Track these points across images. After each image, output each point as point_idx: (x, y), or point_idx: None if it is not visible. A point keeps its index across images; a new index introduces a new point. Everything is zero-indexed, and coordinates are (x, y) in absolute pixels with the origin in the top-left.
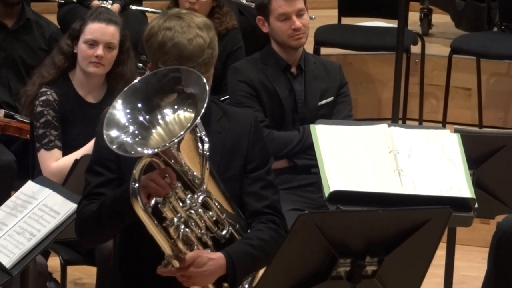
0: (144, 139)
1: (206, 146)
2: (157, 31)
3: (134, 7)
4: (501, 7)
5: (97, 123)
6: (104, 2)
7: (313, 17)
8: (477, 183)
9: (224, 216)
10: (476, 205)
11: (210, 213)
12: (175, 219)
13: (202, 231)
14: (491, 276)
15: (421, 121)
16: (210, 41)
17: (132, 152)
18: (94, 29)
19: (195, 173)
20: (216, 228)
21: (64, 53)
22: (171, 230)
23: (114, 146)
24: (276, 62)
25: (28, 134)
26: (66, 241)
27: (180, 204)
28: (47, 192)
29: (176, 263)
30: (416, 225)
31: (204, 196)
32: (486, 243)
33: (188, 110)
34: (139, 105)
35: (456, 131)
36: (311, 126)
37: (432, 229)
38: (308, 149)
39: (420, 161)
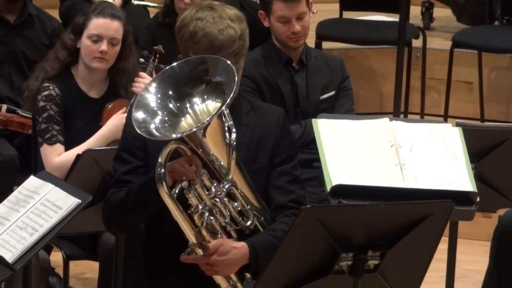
0: (172, 125)
1: (233, 136)
2: (189, 21)
3: (136, 2)
4: (502, 1)
5: (99, 117)
6: None
7: (315, 11)
8: (478, 177)
9: (249, 207)
10: (478, 199)
11: (235, 203)
12: (200, 206)
13: (226, 220)
14: (493, 270)
15: (423, 115)
16: (241, 32)
17: (159, 135)
18: (99, 24)
19: (221, 163)
20: (240, 219)
21: (67, 48)
22: (196, 217)
23: (141, 130)
24: (277, 57)
25: (30, 129)
26: (69, 236)
27: (206, 191)
28: (50, 187)
29: (199, 251)
30: (418, 219)
31: (229, 185)
32: (488, 237)
33: (217, 100)
34: (170, 92)
35: (457, 125)
36: (313, 120)
37: (434, 223)
38: (310, 143)
39: (422, 155)
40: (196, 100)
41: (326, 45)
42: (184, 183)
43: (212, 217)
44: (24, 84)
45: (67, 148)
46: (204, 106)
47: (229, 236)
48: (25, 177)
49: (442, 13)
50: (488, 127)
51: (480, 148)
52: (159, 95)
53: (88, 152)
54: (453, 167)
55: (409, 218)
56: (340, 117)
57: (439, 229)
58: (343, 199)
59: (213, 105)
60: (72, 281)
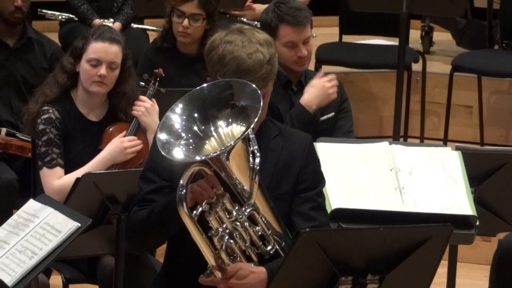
0: (197, 148)
1: (257, 160)
2: (218, 44)
3: (135, 26)
4: (502, 25)
5: (99, 141)
6: (106, 20)
7: (315, 35)
8: (478, 201)
9: (270, 232)
10: (478, 223)
11: (257, 228)
12: (220, 229)
13: (246, 244)
14: None
15: (423, 139)
16: (270, 57)
17: (183, 157)
18: (98, 48)
19: (244, 187)
20: (261, 243)
21: (67, 72)
22: (215, 240)
23: (165, 151)
24: (277, 78)
25: (30, 152)
26: (68, 260)
27: (227, 215)
28: (49, 210)
29: (218, 274)
30: (417, 243)
31: (251, 209)
32: (488, 260)
33: (242, 124)
34: (195, 114)
35: (457, 149)
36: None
37: (433, 247)
38: None
39: (421, 178)
40: (221, 123)
41: (326, 68)
42: (205, 206)
43: (232, 241)
44: (24, 108)
45: (66, 172)
46: (229, 130)
47: (249, 259)
48: (25, 200)
49: (441, 37)
50: (487, 151)
51: (480, 172)
52: (184, 117)
53: (87, 175)
54: (453, 191)
55: (409, 242)
56: (340, 140)
57: (438, 253)
58: (343, 222)
59: (237, 129)
60: None
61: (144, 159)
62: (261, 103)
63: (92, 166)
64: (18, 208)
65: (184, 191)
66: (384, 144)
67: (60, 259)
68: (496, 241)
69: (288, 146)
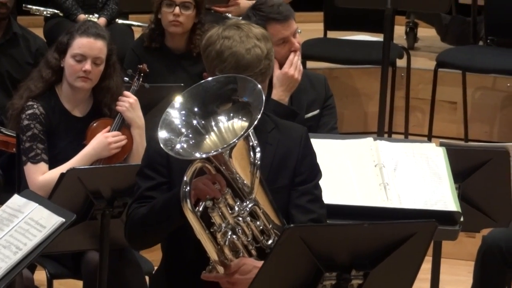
0: (197, 143)
1: (258, 155)
2: (215, 40)
3: (120, 21)
4: (486, 21)
5: (83, 136)
6: (91, 16)
7: (300, 31)
8: (462, 197)
9: (270, 226)
10: (462, 219)
11: (258, 222)
12: (223, 225)
13: (248, 239)
14: None
15: (407, 135)
16: (268, 52)
17: (185, 155)
18: (82, 43)
19: (245, 181)
20: (262, 238)
21: (51, 67)
22: (219, 236)
23: (168, 148)
24: None
25: (14, 147)
26: (53, 255)
27: (229, 210)
28: (33, 205)
29: (221, 269)
30: (401, 239)
31: (252, 204)
32: (472, 256)
33: (243, 119)
34: (195, 109)
35: (441, 145)
36: None
37: (417, 243)
38: None
39: (406, 174)
40: (222, 118)
41: (310, 64)
42: (209, 202)
43: (234, 236)
44: (8, 103)
45: (51, 167)
46: (230, 125)
47: (250, 254)
48: (9, 195)
49: (426, 33)
50: (472, 147)
51: (464, 168)
52: (183, 112)
53: (72, 171)
54: (437, 187)
55: (393, 238)
56: (324, 136)
57: (422, 248)
58: (327, 218)
59: (239, 124)
60: None
61: (128, 154)
62: (263, 102)
63: (76, 161)
64: (2, 203)
65: (188, 188)
66: (369, 140)
67: (44, 254)
68: (480, 237)
69: (284, 139)
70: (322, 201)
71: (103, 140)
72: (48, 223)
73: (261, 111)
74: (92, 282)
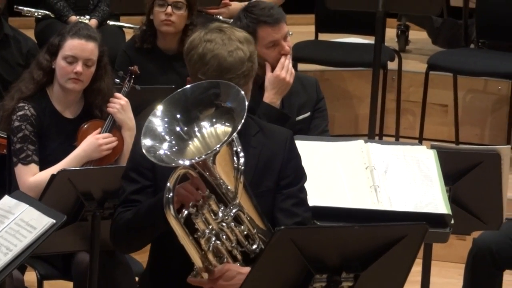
0: (181, 150)
1: (242, 160)
2: (198, 43)
3: (111, 23)
4: (478, 24)
5: (74, 138)
6: (82, 17)
7: (291, 33)
8: (453, 199)
9: (255, 231)
10: (452, 221)
11: (242, 227)
12: (207, 231)
13: (232, 245)
14: None
15: (398, 137)
16: (250, 54)
17: (168, 162)
18: (74, 45)
19: (229, 187)
20: (246, 243)
21: (42, 69)
22: (202, 242)
23: (151, 155)
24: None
25: (5, 148)
26: (43, 256)
27: (213, 216)
28: (24, 206)
29: (205, 275)
30: (392, 241)
31: (236, 209)
32: (462, 259)
33: (226, 124)
34: (178, 116)
35: (432, 147)
36: None
37: (408, 245)
38: None
39: (397, 177)
40: (205, 124)
41: (301, 67)
42: (192, 209)
43: (218, 242)
44: None
45: (42, 168)
46: (213, 130)
47: (235, 259)
48: None
49: (417, 35)
50: (462, 150)
51: (455, 171)
52: (166, 119)
53: (62, 172)
54: (428, 190)
55: (383, 240)
56: (315, 138)
57: (413, 251)
58: (318, 220)
59: (222, 129)
60: None
61: (119, 155)
62: (246, 108)
63: (67, 162)
64: None
65: (171, 194)
66: (360, 142)
67: (34, 255)
68: (471, 240)
69: (269, 143)
70: (307, 205)
71: (94, 141)
72: (38, 224)
73: (244, 117)
74: (82, 283)
